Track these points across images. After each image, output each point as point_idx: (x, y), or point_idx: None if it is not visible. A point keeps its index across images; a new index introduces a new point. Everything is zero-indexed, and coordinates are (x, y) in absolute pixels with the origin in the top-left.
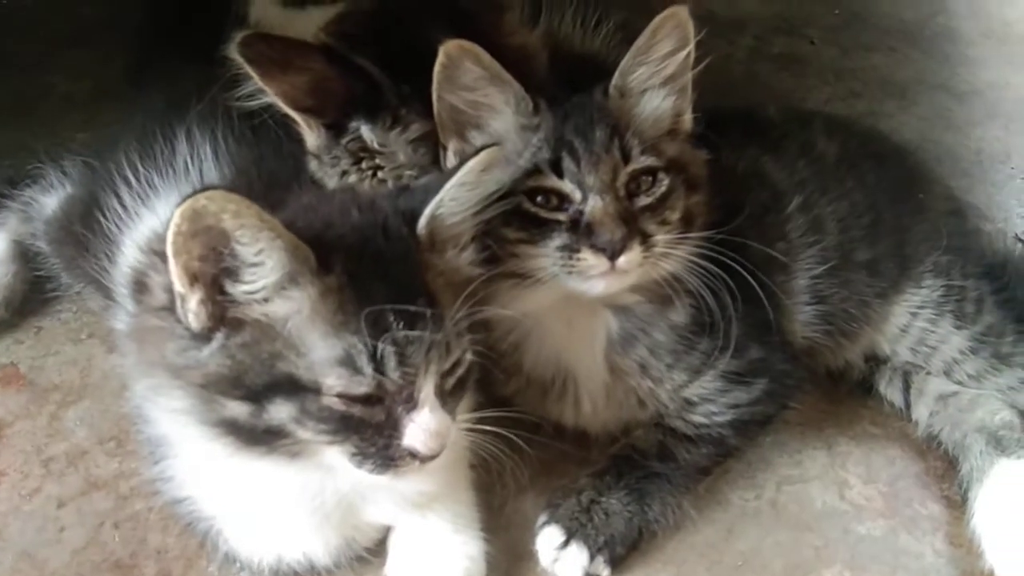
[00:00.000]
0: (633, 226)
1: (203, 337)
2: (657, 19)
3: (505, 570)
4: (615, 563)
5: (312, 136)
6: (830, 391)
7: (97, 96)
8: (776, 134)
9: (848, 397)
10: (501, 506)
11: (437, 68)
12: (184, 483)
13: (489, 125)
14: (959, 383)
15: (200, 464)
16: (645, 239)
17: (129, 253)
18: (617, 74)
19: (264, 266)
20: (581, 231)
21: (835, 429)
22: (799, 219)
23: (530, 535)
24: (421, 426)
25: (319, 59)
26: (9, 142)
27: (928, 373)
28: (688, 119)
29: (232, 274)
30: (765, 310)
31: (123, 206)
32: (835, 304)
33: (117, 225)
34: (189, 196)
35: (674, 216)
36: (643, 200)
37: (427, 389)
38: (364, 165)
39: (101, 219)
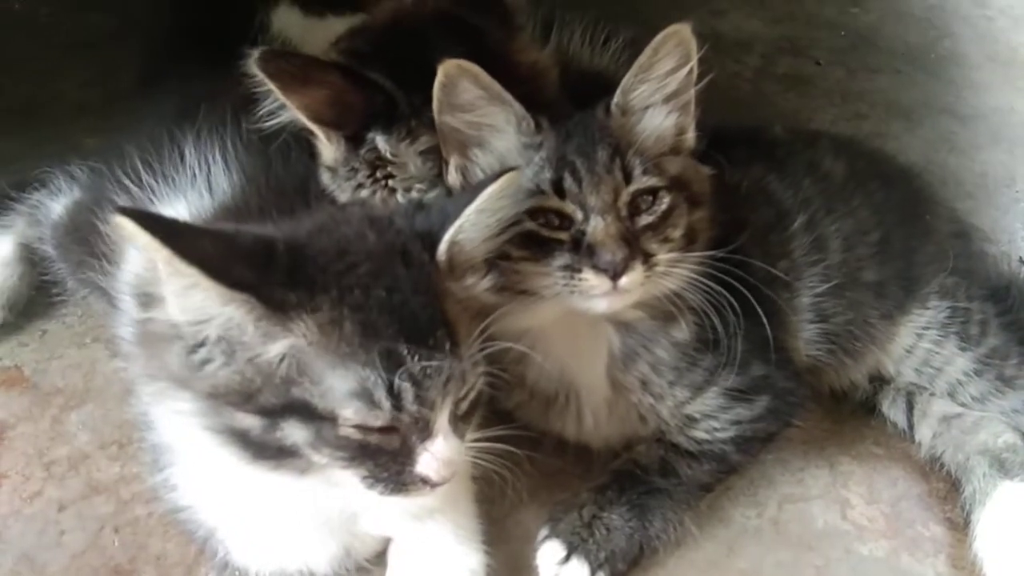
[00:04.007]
0: (635, 246)
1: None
2: (659, 36)
3: None
4: None
5: (331, 149)
6: (833, 410)
7: (106, 103)
8: (782, 152)
9: (851, 417)
10: (502, 519)
11: (436, 88)
12: (187, 492)
13: (490, 144)
14: (963, 405)
15: (203, 473)
16: (647, 258)
17: (134, 260)
18: (619, 91)
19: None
20: (583, 251)
21: (838, 448)
22: (803, 238)
23: (531, 548)
24: (435, 455)
25: (335, 74)
26: (18, 146)
27: (932, 394)
28: (691, 136)
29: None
30: (768, 327)
31: None
32: (839, 323)
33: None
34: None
35: (676, 233)
36: (644, 219)
37: (442, 419)
38: (378, 174)
39: (104, 225)
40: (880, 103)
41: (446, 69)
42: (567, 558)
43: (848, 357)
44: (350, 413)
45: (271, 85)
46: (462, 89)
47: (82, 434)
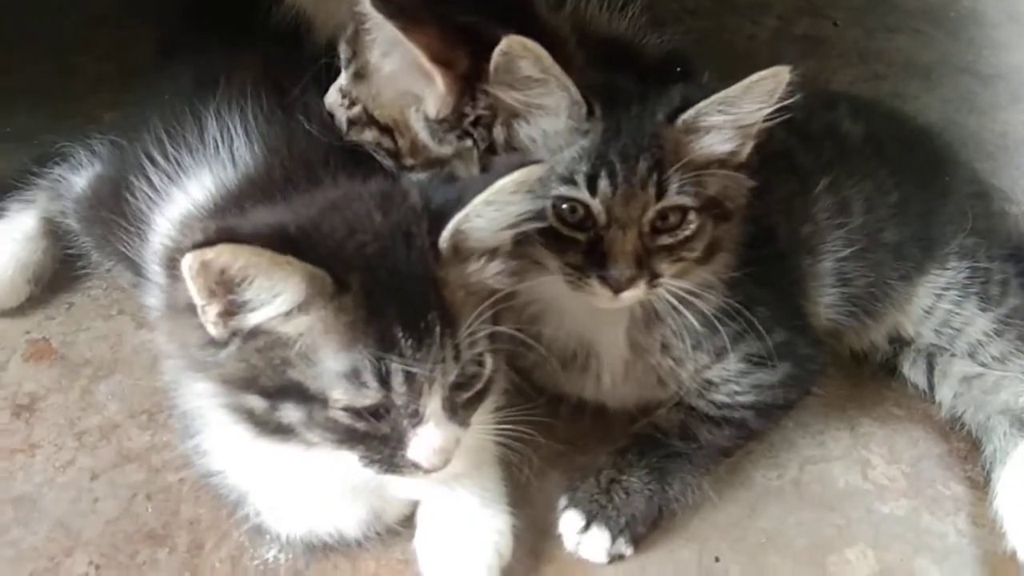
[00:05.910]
0: (645, 265)
1: (221, 343)
2: (758, 75)
3: (531, 545)
4: (637, 542)
5: (440, 94)
6: (854, 372)
7: (124, 76)
8: (801, 116)
9: (871, 379)
10: (527, 482)
11: (494, 60)
12: (217, 457)
13: (537, 121)
14: (983, 365)
15: (232, 439)
16: (653, 277)
17: (161, 230)
18: (693, 111)
19: (277, 299)
20: (595, 257)
21: (858, 410)
22: (826, 201)
23: (555, 514)
24: (424, 441)
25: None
26: (37, 122)
27: (952, 355)
28: (744, 153)
29: (244, 306)
30: (791, 294)
31: (153, 185)
32: (860, 286)
33: (148, 204)
34: (198, 246)
35: (692, 255)
36: (664, 239)
37: (433, 404)
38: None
39: (131, 198)
40: (899, 63)
41: (509, 44)
42: (587, 526)
43: (868, 318)
44: (339, 394)
45: (391, 24)
46: (520, 67)
47: (112, 404)
